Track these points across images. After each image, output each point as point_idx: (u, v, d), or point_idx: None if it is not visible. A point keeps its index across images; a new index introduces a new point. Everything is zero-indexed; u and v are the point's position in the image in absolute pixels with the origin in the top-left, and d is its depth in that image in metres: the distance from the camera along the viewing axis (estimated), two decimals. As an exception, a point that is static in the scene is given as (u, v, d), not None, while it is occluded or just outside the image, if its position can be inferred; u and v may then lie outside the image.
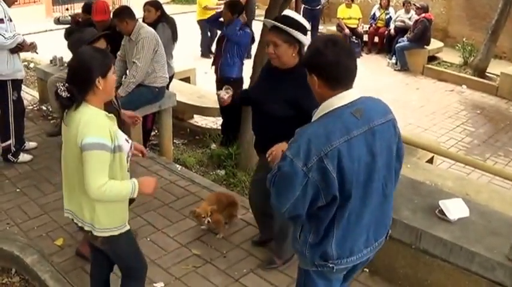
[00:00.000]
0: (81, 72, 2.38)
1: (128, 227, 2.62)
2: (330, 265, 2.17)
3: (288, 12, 3.09)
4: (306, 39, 3.01)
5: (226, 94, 3.34)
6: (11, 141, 4.95)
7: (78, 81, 2.37)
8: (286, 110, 3.03)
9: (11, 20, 4.69)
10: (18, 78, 4.90)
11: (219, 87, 5.72)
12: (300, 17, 3.08)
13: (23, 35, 4.82)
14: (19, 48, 4.75)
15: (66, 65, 6.06)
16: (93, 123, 2.34)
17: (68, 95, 2.34)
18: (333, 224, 2.10)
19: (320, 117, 2.06)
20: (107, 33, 3.73)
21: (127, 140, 2.53)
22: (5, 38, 4.58)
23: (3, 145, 4.99)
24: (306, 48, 2.25)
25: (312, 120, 2.11)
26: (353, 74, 2.07)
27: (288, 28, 2.93)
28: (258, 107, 3.24)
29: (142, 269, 2.79)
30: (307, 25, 3.06)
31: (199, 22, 10.44)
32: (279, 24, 2.95)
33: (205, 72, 5.86)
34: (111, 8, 5.73)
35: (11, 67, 4.74)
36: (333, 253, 2.15)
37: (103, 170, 2.35)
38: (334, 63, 2.00)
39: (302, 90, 2.92)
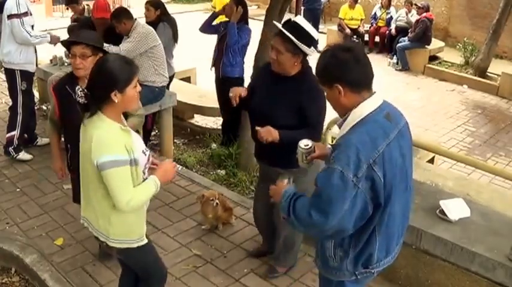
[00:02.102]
0: (98, 83, 2.26)
1: (145, 241, 2.54)
2: (372, 271, 2.17)
3: (298, 19, 2.94)
4: (310, 51, 2.93)
5: None
6: (16, 133, 4.98)
7: (94, 91, 2.27)
8: (289, 119, 2.95)
9: (31, 14, 4.85)
10: (28, 70, 4.98)
11: (219, 87, 5.71)
12: (309, 27, 2.93)
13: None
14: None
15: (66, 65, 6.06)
16: (105, 140, 2.23)
17: (85, 102, 2.19)
18: (374, 230, 2.09)
19: (357, 125, 2.02)
20: (87, 43, 2.98)
21: (144, 152, 2.40)
22: (31, 36, 4.77)
23: (8, 135, 5.01)
24: (317, 60, 2.11)
25: (342, 131, 2.08)
26: (371, 72, 2.11)
27: (294, 38, 2.83)
28: (259, 114, 3.08)
29: (160, 277, 2.74)
30: (316, 36, 2.94)
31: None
32: (285, 31, 2.84)
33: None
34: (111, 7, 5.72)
35: (23, 57, 4.86)
36: (375, 258, 2.14)
37: (127, 184, 2.27)
38: (355, 66, 2.03)
39: (307, 98, 2.93)
